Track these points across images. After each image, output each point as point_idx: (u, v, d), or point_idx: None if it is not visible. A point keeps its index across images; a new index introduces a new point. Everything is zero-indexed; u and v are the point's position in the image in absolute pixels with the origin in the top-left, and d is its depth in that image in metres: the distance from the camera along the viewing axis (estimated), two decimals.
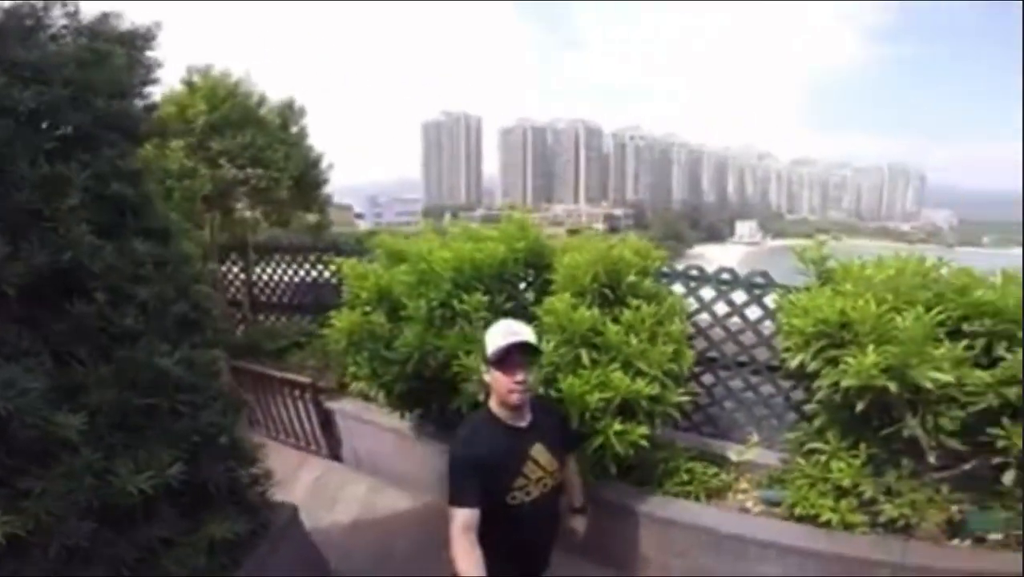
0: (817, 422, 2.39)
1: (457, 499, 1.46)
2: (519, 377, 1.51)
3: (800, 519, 2.35)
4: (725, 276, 3.28)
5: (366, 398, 3.70)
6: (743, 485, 2.68)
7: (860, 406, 2.05)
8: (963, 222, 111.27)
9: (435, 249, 2.99)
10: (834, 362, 2.19)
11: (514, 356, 1.51)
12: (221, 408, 1.97)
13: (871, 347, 2.03)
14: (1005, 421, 1.95)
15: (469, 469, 1.49)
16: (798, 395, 2.90)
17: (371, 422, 3.44)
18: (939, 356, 1.99)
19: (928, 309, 2.10)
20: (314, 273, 5.27)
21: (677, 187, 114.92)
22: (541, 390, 2.17)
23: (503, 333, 1.56)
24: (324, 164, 5.43)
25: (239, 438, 2.10)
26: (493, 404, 1.60)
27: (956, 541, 2.20)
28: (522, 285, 3.10)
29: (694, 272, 3.33)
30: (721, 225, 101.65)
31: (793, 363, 2.39)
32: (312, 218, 5.89)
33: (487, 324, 2.62)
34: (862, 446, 2.24)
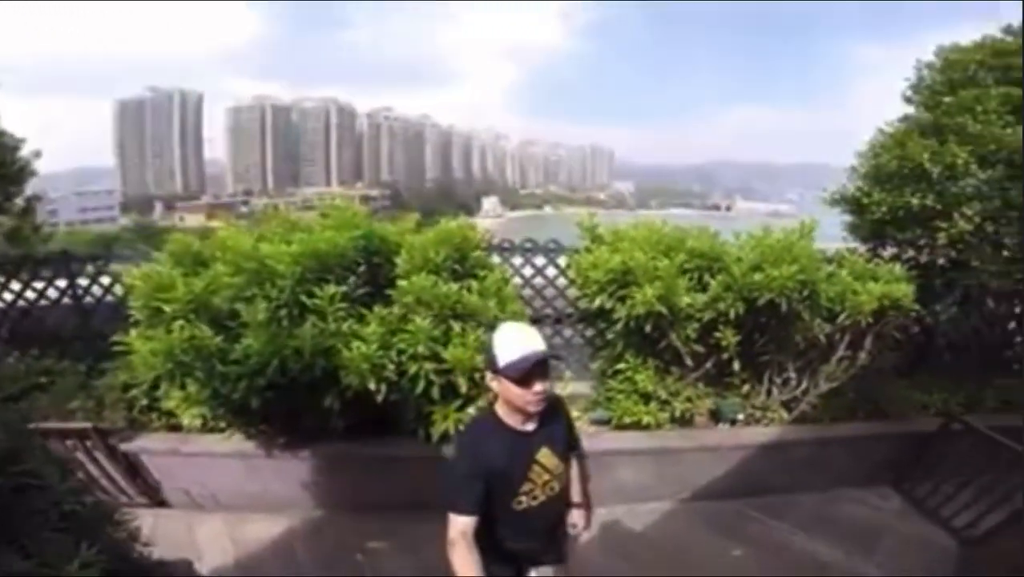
0: (619, 347, 3.23)
1: (457, 506, 1.42)
2: (538, 389, 1.44)
3: (626, 427, 3.18)
4: (528, 245, 3.98)
5: (173, 429, 3.18)
6: (575, 413, 3.41)
7: (648, 328, 2.92)
8: (639, 190, 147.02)
9: (264, 245, 2.76)
10: (623, 300, 3.03)
11: (534, 371, 1.43)
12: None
13: (647, 284, 2.89)
14: (720, 327, 3.09)
15: (473, 477, 1.44)
16: (591, 336, 3.78)
17: (199, 453, 2.97)
18: (682, 287, 3.00)
19: (667, 255, 3.11)
20: (30, 294, 4.00)
21: (430, 167, 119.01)
22: (429, 366, 2.36)
23: (517, 345, 1.45)
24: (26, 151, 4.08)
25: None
26: (501, 409, 1.53)
27: (719, 425, 3.35)
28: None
29: (506, 244, 3.92)
30: (470, 201, 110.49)
31: (595, 304, 3.17)
32: (7, 222, 4.40)
33: (347, 315, 2.65)
34: (650, 360, 3.17)
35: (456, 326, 2.55)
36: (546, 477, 1.55)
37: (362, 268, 2.86)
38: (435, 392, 2.44)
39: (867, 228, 3.84)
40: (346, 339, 2.47)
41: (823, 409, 3.40)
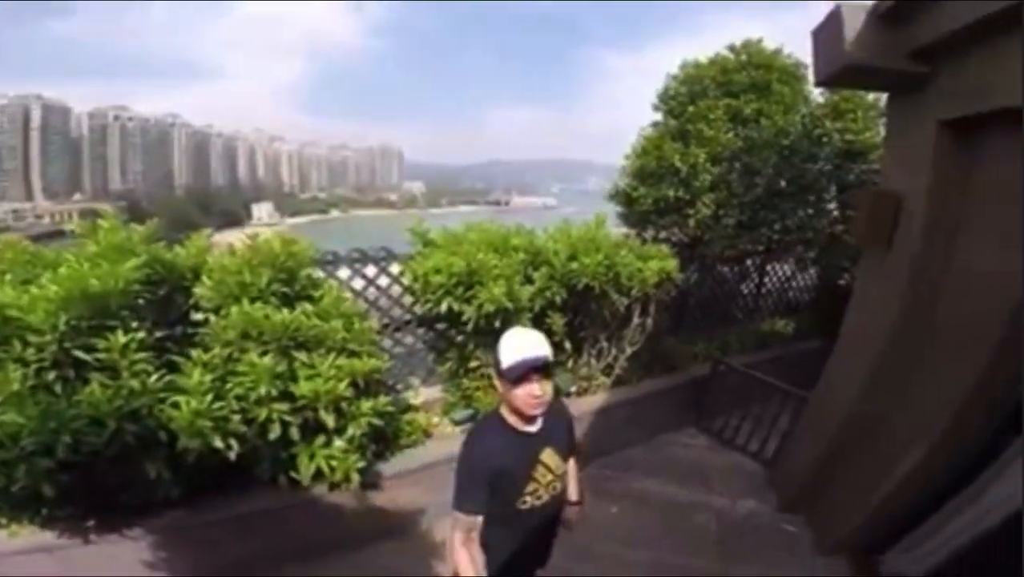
0: (469, 346, 3.30)
1: (464, 505, 1.48)
2: (536, 391, 1.50)
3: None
4: (355, 255, 3.74)
5: None
6: (434, 420, 3.36)
7: (497, 323, 3.06)
8: (430, 190, 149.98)
9: None
10: (469, 300, 3.11)
11: (530, 373, 1.50)
12: None
13: (491, 283, 3.03)
14: (550, 313, 3.43)
15: (480, 477, 1.50)
16: (435, 339, 3.78)
17: None
18: (518, 281, 3.23)
19: (502, 253, 3.31)
20: None
21: (180, 172, 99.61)
22: (280, 407, 2.03)
23: (517, 347, 1.52)
24: None
25: None
26: (505, 411, 1.59)
27: (562, 397, 3.68)
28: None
29: (329, 256, 3.61)
30: (236, 209, 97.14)
31: (441, 308, 3.19)
32: None
33: (148, 365, 2.09)
34: None
35: (301, 356, 2.26)
36: (550, 477, 1.61)
37: (152, 305, 2.31)
38: (294, 433, 2.13)
39: (636, 217, 4.74)
40: (156, 395, 1.96)
41: (631, 370, 4.09)
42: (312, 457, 2.15)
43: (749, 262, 5.09)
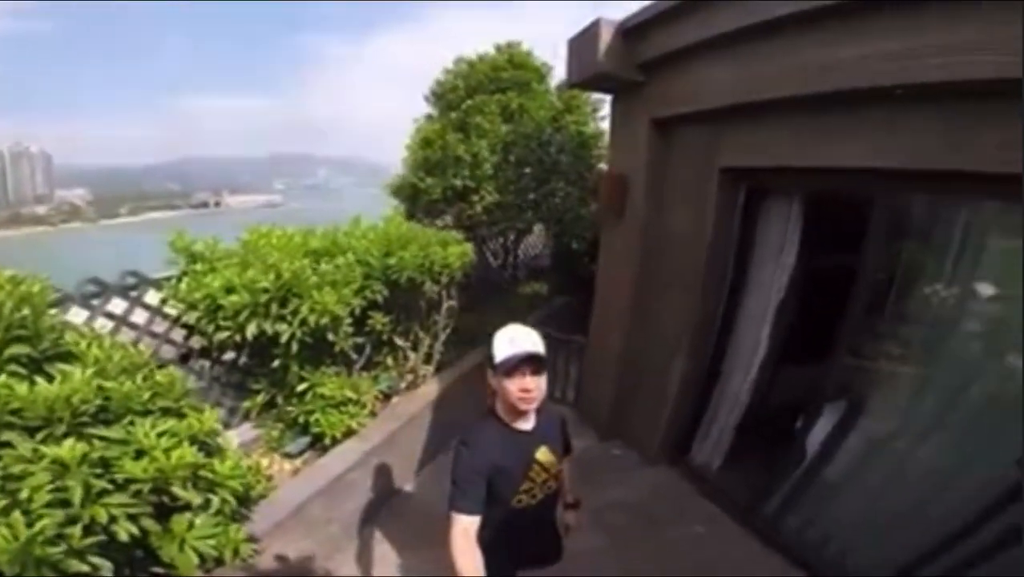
0: (293, 367, 2.91)
1: (460, 505, 1.45)
2: (527, 386, 1.51)
3: (336, 439, 2.97)
4: (91, 288, 2.80)
5: None
6: (263, 460, 2.85)
7: (330, 336, 2.78)
8: (98, 198, 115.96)
9: None
10: (286, 317, 2.74)
11: (521, 366, 1.50)
12: None
13: (316, 292, 2.74)
14: (372, 313, 3.30)
15: (476, 475, 1.48)
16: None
17: None
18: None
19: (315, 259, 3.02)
20: None
21: None
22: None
23: (509, 341, 1.53)
24: None
25: None
26: (500, 409, 1.60)
27: (392, 400, 3.55)
28: None
29: (58, 295, 2.60)
30: None
31: (248, 333, 2.71)
32: None
33: None
34: (324, 368, 3.03)
35: (103, 432, 1.63)
36: (544, 476, 1.62)
37: None
38: (149, 524, 1.54)
39: (424, 207, 4.90)
40: None
41: (447, 353, 4.28)
42: (182, 545, 1.61)
43: (511, 237, 5.85)
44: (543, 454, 1.61)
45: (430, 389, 3.86)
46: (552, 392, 4.62)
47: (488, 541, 1.45)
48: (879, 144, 2.30)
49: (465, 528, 1.42)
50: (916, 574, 2.40)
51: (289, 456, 2.94)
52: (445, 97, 4.96)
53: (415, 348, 3.93)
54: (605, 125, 5.10)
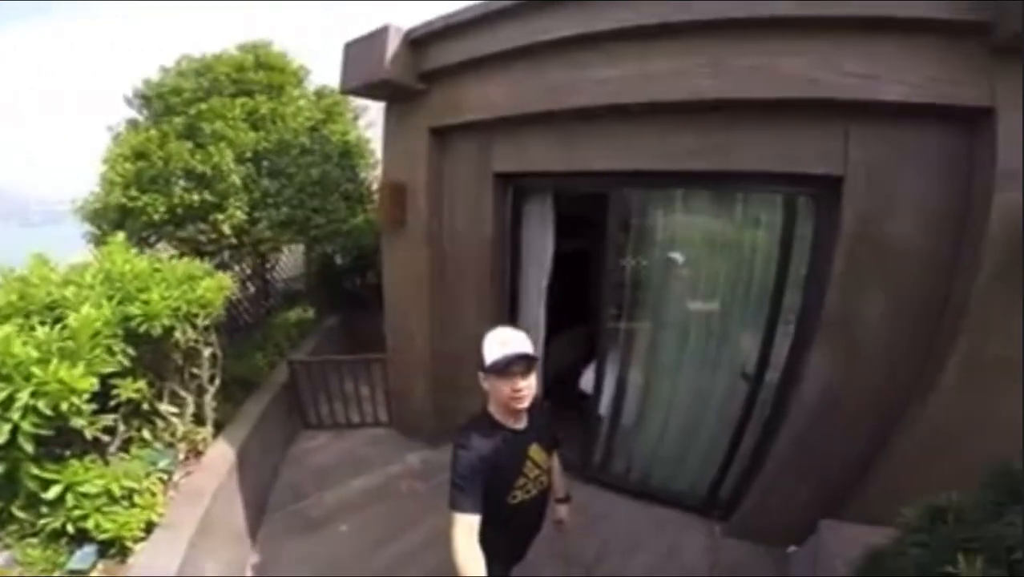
0: (27, 467, 1.87)
1: (461, 505, 1.46)
2: (518, 385, 1.54)
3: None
4: None
5: None
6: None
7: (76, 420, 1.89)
8: None
9: None
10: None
11: (512, 366, 1.53)
12: None
13: (37, 368, 1.85)
14: (120, 382, 2.41)
15: (474, 475, 1.49)
16: None
17: None
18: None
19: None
20: None
21: None
22: None
23: (500, 344, 1.56)
24: None
25: None
26: (492, 408, 1.63)
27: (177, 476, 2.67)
28: None
29: None
30: None
31: None
32: None
33: None
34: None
35: None
36: (537, 471, 1.66)
37: None
38: None
39: (139, 230, 3.75)
40: None
41: (222, 408, 3.46)
42: None
43: (268, 258, 5.12)
44: (535, 452, 1.67)
45: (220, 453, 3.08)
46: (362, 420, 4.30)
47: (487, 539, 1.46)
48: (615, 151, 2.98)
49: (467, 527, 1.44)
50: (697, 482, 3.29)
51: (80, 572, 1.93)
52: (163, 99, 3.90)
53: (180, 413, 3.05)
54: (370, 133, 4.94)
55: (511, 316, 3.96)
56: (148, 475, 2.47)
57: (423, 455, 3.93)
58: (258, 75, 4.05)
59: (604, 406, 3.56)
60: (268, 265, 5.17)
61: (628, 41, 2.62)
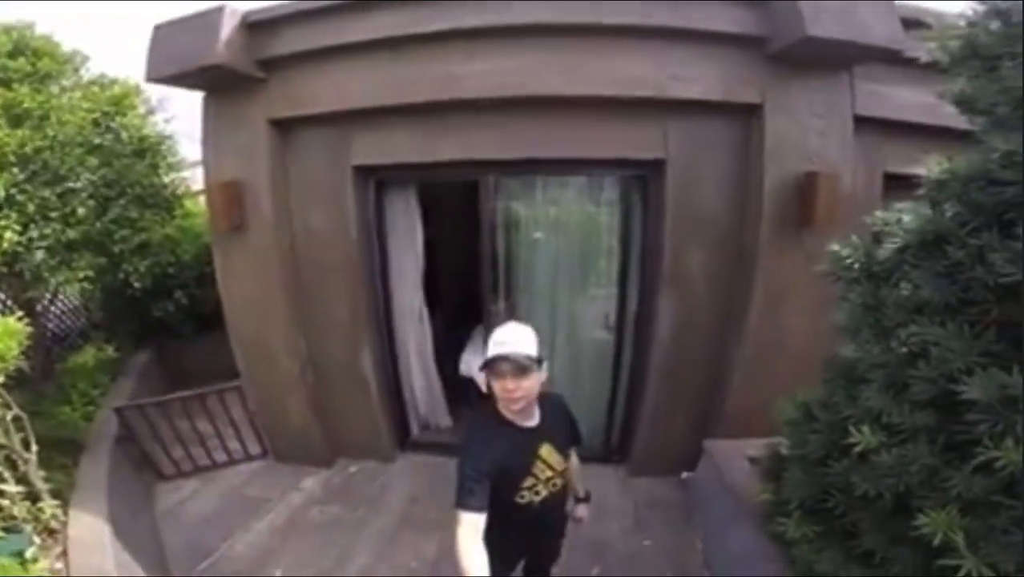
0: None
1: (464, 502, 1.43)
2: (508, 386, 1.50)
3: None
4: None
5: None
6: None
7: None
8: None
9: None
10: None
11: (500, 367, 1.50)
12: None
13: None
14: None
15: (479, 471, 1.46)
16: None
17: None
18: None
19: None
20: None
21: None
22: None
23: (495, 343, 1.54)
24: None
25: None
26: (501, 407, 1.58)
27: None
28: None
29: None
30: None
31: None
32: None
33: None
34: None
35: None
36: (549, 473, 1.60)
37: None
38: None
39: None
40: None
41: (50, 471, 2.71)
42: None
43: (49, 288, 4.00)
44: (547, 452, 1.61)
45: (86, 526, 2.45)
46: (230, 455, 3.75)
47: (493, 538, 1.42)
48: (480, 141, 3.15)
49: (471, 526, 1.41)
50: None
51: None
52: None
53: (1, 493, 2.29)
54: (173, 128, 4.11)
55: (386, 312, 3.88)
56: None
57: (320, 478, 3.65)
58: (18, 62, 3.02)
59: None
60: (49, 297, 4.01)
61: (491, 39, 2.77)
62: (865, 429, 1.67)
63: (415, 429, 4.15)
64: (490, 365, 1.51)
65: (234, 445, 3.78)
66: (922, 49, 1.99)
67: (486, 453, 1.51)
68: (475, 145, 3.14)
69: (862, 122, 2.84)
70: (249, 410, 3.78)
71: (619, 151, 3.11)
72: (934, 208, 1.83)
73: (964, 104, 1.68)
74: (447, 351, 4.37)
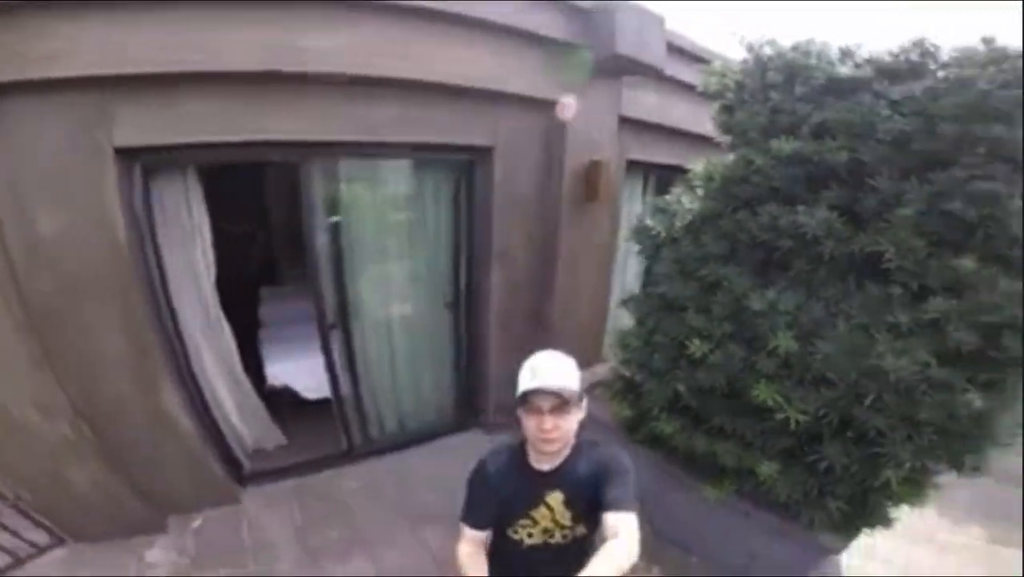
0: None
1: (466, 517, 1.46)
2: (545, 425, 1.32)
3: None
4: None
5: None
6: None
7: None
8: None
9: None
10: None
11: (534, 400, 1.32)
12: None
13: None
14: None
15: (478, 498, 1.45)
16: None
17: None
18: None
19: None
20: None
21: None
22: None
23: (530, 370, 1.35)
24: None
25: None
26: (530, 445, 1.44)
27: None
28: None
29: None
30: None
31: None
32: None
33: None
34: None
35: None
36: (548, 523, 1.43)
37: None
38: None
39: None
40: None
41: None
42: None
43: None
44: (555, 501, 1.41)
45: None
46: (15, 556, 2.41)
47: (491, 568, 1.42)
48: (304, 120, 2.80)
49: (470, 538, 1.44)
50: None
51: None
52: None
53: None
54: None
55: (175, 329, 3.07)
56: None
57: (164, 544, 2.76)
58: None
59: (342, 381, 3.53)
60: None
61: (329, 11, 2.49)
62: (696, 341, 2.56)
63: (245, 461, 3.51)
64: (525, 399, 1.33)
65: (4, 539, 2.47)
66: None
67: (487, 483, 1.45)
68: (306, 124, 2.79)
69: (620, 120, 3.83)
70: (6, 497, 2.50)
71: (453, 137, 3.29)
72: (705, 194, 2.80)
73: (723, 125, 2.65)
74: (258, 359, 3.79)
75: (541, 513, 1.43)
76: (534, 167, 3.67)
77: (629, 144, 4.07)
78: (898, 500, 2.19)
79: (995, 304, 1.85)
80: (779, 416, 2.20)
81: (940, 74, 2.09)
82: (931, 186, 2.05)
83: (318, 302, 3.33)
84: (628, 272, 4.90)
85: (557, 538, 1.44)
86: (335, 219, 3.30)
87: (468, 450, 3.60)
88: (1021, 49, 1.90)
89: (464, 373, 4.08)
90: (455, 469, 3.48)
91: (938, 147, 2.04)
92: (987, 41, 2.00)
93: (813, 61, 2.36)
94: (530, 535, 1.45)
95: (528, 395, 1.32)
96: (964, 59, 2.01)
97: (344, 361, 3.47)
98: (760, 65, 2.51)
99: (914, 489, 2.12)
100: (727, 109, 2.64)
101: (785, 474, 2.31)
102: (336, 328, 3.41)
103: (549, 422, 1.33)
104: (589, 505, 1.37)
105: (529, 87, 3.28)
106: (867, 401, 2.03)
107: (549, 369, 1.35)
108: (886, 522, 2.30)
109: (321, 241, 3.25)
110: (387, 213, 3.49)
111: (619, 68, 3.39)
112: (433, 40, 2.86)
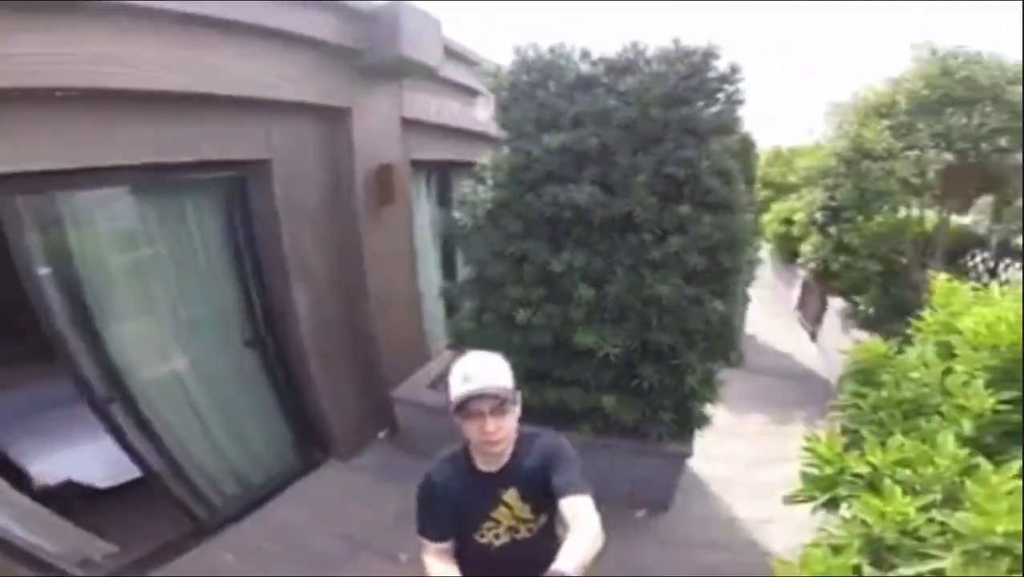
0: None
1: (424, 531, 1.42)
2: (487, 428, 1.30)
3: None
4: None
5: None
6: None
7: None
8: None
9: None
10: None
11: (473, 405, 1.29)
12: None
13: None
14: None
15: (432, 505, 1.41)
16: None
17: None
18: None
19: None
20: None
21: None
22: None
23: (462, 377, 1.32)
24: None
25: None
26: (471, 448, 1.42)
27: None
28: None
29: None
30: None
31: None
32: None
33: None
34: None
35: None
36: (511, 521, 1.42)
37: None
38: None
39: None
40: None
41: None
42: None
43: None
44: (512, 498, 1.40)
45: None
46: None
47: (461, 567, 1.42)
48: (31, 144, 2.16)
49: (431, 549, 1.41)
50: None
51: None
52: None
53: None
54: None
55: None
56: None
57: None
58: None
59: (148, 458, 2.83)
60: None
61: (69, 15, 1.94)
62: (520, 311, 2.95)
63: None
64: (462, 405, 1.30)
65: None
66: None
67: (436, 493, 1.42)
68: (22, 152, 2.12)
69: (402, 121, 3.93)
70: None
71: (221, 153, 2.91)
72: (496, 183, 3.17)
73: (502, 121, 3.02)
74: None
75: (501, 513, 1.42)
76: (322, 175, 3.51)
77: (412, 144, 4.21)
78: (703, 399, 2.97)
79: (706, 235, 2.68)
80: (600, 354, 2.75)
81: (646, 70, 2.80)
82: (653, 158, 2.80)
83: (76, 376, 2.60)
84: (429, 265, 5.10)
85: (523, 533, 1.44)
86: (64, 268, 2.56)
87: (333, 485, 3.39)
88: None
89: (294, 408, 3.70)
90: (331, 506, 3.29)
91: (652, 128, 2.78)
92: (676, 41, 2.77)
93: (562, 62, 2.90)
94: (497, 536, 1.43)
95: (466, 401, 1.29)
96: (662, 57, 2.76)
97: (139, 434, 2.79)
98: (524, 66, 2.95)
99: (710, 388, 2.92)
100: (504, 108, 3.04)
101: (622, 402, 2.89)
102: (114, 401, 2.72)
103: (491, 424, 1.31)
104: (545, 494, 1.36)
105: (307, 93, 3.12)
106: (653, 324, 2.70)
107: (481, 371, 1.33)
108: (706, 421, 3.07)
109: (52, 301, 2.50)
110: (137, 250, 2.84)
111: (401, 70, 3.48)
112: (202, 47, 2.48)
